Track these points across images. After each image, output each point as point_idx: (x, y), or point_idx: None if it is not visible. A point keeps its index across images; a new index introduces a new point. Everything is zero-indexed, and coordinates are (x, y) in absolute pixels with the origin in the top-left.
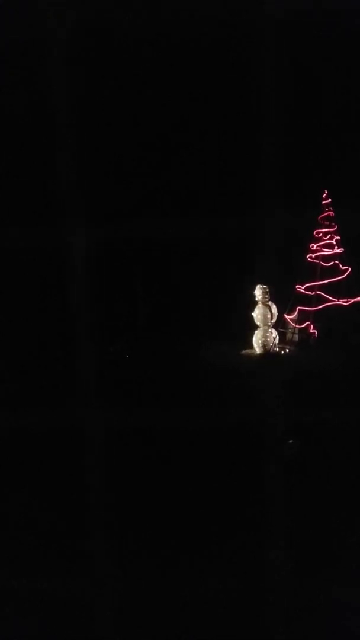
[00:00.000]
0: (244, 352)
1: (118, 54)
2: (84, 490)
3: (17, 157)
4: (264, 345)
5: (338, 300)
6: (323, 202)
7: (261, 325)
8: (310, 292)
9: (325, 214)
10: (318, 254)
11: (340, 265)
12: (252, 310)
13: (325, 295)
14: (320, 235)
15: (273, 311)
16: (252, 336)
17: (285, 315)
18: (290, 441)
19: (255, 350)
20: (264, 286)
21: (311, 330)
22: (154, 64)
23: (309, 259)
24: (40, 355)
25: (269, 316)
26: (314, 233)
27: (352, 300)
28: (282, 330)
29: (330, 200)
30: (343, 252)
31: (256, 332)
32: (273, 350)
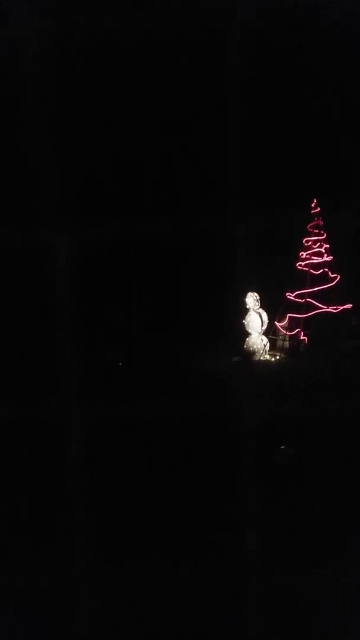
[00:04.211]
0: (235, 359)
1: (96, 54)
2: (73, 489)
3: (6, 158)
4: (255, 352)
5: (328, 308)
6: (312, 211)
7: (252, 332)
8: (300, 300)
9: (314, 222)
10: (308, 261)
11: (330, 273)
12: (244, 318)
13: (315, 302)
14: (310, 243)
15: (264, 318)
16: (243, 343)
17: (275, 322)
18: (283, 447)
19: (246, 357)
20: (255, 294)
21: (301, 337)
22: (147, 65)
23: (299, 267)
24: (31, 363)
25: (259, 323)
26: (303, 241)
27: (342, 307)
28: (272, 337)
29: (319, 209)
30: (332, 259)
31: (247, 339)
32: (264, 357)
